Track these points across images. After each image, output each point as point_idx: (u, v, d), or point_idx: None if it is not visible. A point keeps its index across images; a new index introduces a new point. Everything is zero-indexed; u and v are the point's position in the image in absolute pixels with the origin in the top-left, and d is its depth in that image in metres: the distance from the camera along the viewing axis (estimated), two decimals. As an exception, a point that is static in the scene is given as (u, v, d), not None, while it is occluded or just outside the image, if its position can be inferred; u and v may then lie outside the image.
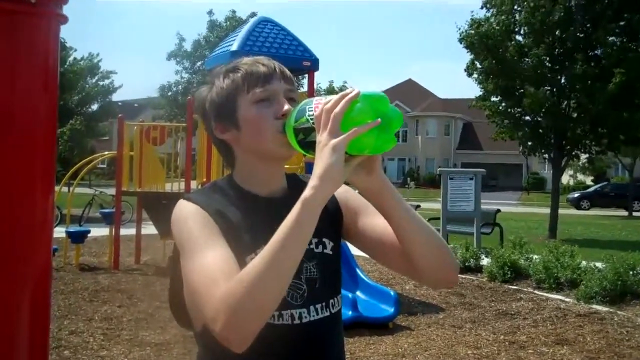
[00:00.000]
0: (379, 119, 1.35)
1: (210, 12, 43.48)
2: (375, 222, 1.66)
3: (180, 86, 43.68)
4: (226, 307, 1.30)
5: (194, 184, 11.27)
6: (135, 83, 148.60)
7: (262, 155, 1.60)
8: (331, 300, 1.64)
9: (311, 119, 1.43)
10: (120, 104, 52.48)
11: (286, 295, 1.53)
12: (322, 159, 1.35)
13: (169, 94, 43.77)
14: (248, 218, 1.56)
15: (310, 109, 1.45)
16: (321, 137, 1.37)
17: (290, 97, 1.60)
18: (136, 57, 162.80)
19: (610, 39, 18.47)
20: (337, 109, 1.36)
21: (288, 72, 1.64)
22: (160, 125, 14.18)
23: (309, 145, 1.45)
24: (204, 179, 10.36)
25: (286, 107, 1.55)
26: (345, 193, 1.72)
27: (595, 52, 19.10)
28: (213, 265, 1.39)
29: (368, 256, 1.74)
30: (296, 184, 1.68)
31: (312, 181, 1.35)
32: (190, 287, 1.43)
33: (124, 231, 11.88)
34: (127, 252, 11.95)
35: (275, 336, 1.51)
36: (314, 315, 1.59)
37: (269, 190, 1.64)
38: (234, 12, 43.24)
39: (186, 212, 1.52)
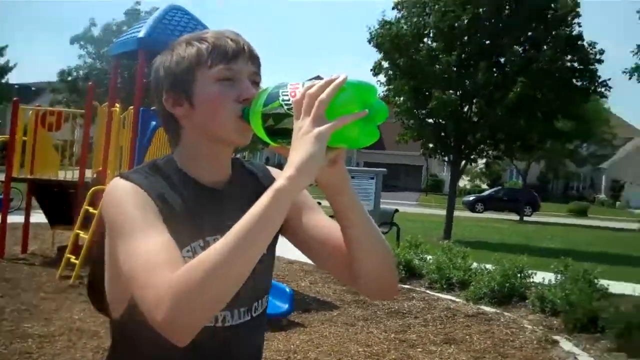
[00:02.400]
0: (366, 110, 1.25)
1: (137, 2, 42.48)
2: (321, 220, 1.58)
3: (81, 71, 42.34)
4: (174, 294, 1.17)
5: (88, 173, 10.93)
6: (35, 66, 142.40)
7: (213, 138, 1.47)
8: (255, 304, 1.55)
9: (286, 104, 1.32)
10: (16, 87, 50.47)
11: None
12: (303, 147, 1.24)
13: (69, 78, 42.34)
14: (189, 207, 1.44)
15: (285, 93, 1.33)
16: (302, 123, 1.26)
17: (255, 81, 1.47)
18: (38, 40, 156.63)
19: (515, 48, 19.05)
20: (324, 95, 1.25)
21: (256, 53, 1.51)
22: (57, 110, 13.68)
23: (277, 133, 1.34)
24: (100, 168, 10.07)
25: (251, 92, 1.43)
26: None
27: (500, 59, 19.66)
28: (155, 251, 1.26)
29: (308, 258, 1.62)
30: (241, 173, 1.59)
31: (288, 170, 1.24)
32: (127, 272, 1.28)
33: (11, 218, 11.39)
34: (14, 241, 11.42)
35: (197, 336, 1.36)
36: (236, 320, 1.50)
37: (213, 178, 1.51)
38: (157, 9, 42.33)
39: (124, 191, 1.38)
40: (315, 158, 1.23)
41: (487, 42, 19.44)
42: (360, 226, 1.43)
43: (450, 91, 19.54)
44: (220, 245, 1.21)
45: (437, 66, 18.94)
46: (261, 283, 1.57)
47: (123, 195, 1.38)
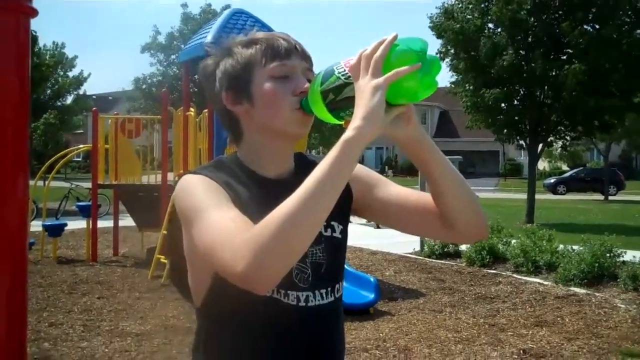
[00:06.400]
0: (420, 63, 1.29)
1: (184, 5, 43.28)
2: (394, 190, 1.64)
3: (154, 78, 43.33)
4: (252, 246, 1.22)
5: (170, 176, 11.22)
6: (110, 76, 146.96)
7: (274, 132, 1.53)
8: (336, 286, 1.60)
9: (343, 75, 1.37)
10: (94, 97, 52.10)
11: (293, 276, 1.50)
12: (364, 100, 1.29)
13: (144, 86, 43.39)
14: (255, 197, 1.49)
15: (339, 67, 1.39)
16: (362, 82, 1.31)
17: (308, 78, 1.53)
18: (110, 51, 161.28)
19: (576, 30, 18.27)
20: (378, 53, 1.31)
21: (307, 51, 1.58)
22: (135, 117, 14.07)
23: (340, 107, 1.38)
24: (181, 171, 10.31)
25: (305, 85, 1.50)
26: (355, 170, 1.59)
27: (563, 40, 18.96)
28: (229, 220, 1.32)
29: (390, 227, 1.71)
30: (305, 165, 1.62)
31: (354, 122, 1.29)
32: (205, 246, 1.34)
33: (101, 224, 11.82)
34: (105, 245, 11.93)
35: (281, 316, 1.49)
36: (319, 300, 1.54)
37: (277, 171, 1.58)
38: (209, 5, 43.02)
39: (193, 182, 1.46)
40: (377, 107, 1.28)
41: (552, 25, 18.76)
42: (446, 174, 1.49)
43: (516, 86, 19.05)
44: (293, 197, 1.26)
45: (502, 59, 18.40)
46: (337, 268, 1.63)
47: (192, 185, 1.45)
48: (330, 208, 1.28)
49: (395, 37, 1.32)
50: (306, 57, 1.56)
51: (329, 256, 1.58)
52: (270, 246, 1.22)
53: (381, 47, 1.31)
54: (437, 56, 1.36)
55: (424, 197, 1.59)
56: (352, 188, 1.65)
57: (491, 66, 18.56)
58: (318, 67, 1.48)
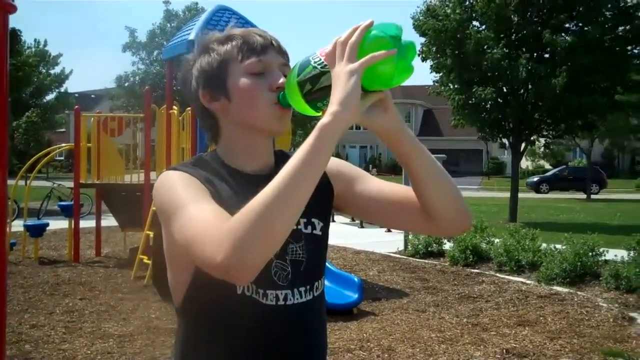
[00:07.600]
0: (395, 49, 1.28)
1: (166, 2, 43.08)
2: (376, 185, 1.63)
3: (137, 77, 43.13)
4: (232, 235, 1.21)
5: (153, 175, 11.14)
6: (92, 74, 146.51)
7: (252, 128, 1.53)
8: (315, 283, 1.59)
9: (319, 64, 1.36)
10: (76, 95, 51.79)
11: (272, 274, 1.50)
12: (340, 85, 1.28)
13: (126, 84, 43.19)
14: (236, 193, 1.48)
15: (315, 57, 1.38)
16: (337, 68, 1.31)
17: (284, 73, 1.52)
18: (93, 48, 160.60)
19: (560, 38, 18.30)
20: (353, 39, 1.30)
21: (283, 47, 1.58)
22: (118, 116, 14.00)
23: (318, 98, 1.37)
24: (164, 170, 10.22)
25: (282, 80, 1.48)
26: (336, 165, 1.66)
27: (546, 40, 18.97)
28: (208, 213, 1.31)
29: (372, 222, 1.72)
30: (285, 161, 1.56)
31: (331, 107, 1.28)
32: (184, 239, 1.32)
33: (83, 224, 11.75)
34: (87, 245, 11.86)
35: (260, 316, 1.47)
36: (297, 298, 1.54)
37: (256, 167, 1.57)
38: (196, 3, 42.86)
39: (173, 178, 1.45)
40: (353, 91, 1.27)
41: (535, 26, 18.78)
42: (427, 165, 1.48)
43: (499, 84, 19.12)
44: (270, 184, 1.25)
45: (487, 56, 18.40)
46: (317, 265, 1.61)
47: (172, 181, 1.44)
48: (308, 194, 1.27)
49: (371, 24, 1.32)
50: (282, 53, 1.56)
51: (309, 254, 1.57)
52: (249, 234, 1.21)
53: (356, 33, 1.31)
54: (412, 41, 1.34)
55: (405, 191, 1.58)
56: (333, 184, 1.64)
57: (477, 63, 18.56)
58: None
